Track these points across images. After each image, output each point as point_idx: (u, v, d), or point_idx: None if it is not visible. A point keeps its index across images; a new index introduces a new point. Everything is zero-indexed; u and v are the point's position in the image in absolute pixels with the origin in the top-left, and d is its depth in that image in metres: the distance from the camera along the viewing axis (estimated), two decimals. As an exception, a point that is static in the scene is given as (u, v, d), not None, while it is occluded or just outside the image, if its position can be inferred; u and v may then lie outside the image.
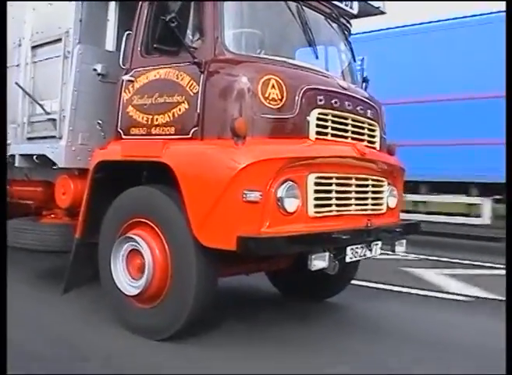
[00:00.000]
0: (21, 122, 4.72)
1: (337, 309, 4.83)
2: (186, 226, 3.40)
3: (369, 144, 4.20)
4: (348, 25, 4.76)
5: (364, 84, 5.04)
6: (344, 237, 3.57)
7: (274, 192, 3.34)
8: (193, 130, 3.56)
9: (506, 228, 5.54)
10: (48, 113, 4.44)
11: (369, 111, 4.23)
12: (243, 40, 3.86)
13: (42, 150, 4.43)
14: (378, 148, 4.30)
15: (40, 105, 4.48)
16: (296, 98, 3.56)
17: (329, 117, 3.77)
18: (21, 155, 4.71)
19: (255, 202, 3.25)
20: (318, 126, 3.67)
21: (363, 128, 4.14)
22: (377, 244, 4.05)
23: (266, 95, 3.45)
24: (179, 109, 3.64)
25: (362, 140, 4.11)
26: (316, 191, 3.57)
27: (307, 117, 3.62)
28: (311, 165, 3.57)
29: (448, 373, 3.35)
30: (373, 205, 4.19)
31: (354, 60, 4.81)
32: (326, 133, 3.76)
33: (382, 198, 4.29)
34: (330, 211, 3.71)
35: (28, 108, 4.67)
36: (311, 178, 3.55)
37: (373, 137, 4.27)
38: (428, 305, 5.09)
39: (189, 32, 3.66)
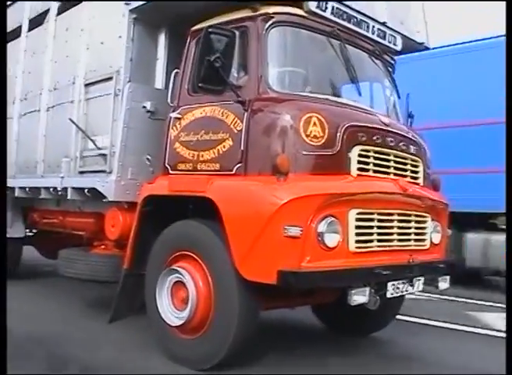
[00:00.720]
0: (74, 156, 5.01)
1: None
2: (228, 259, 3.51)
3: (412, 180, 4.25)
4: (392, 61, 4.87)
5: (409, 120, 5.14)
6: (385, 272, 3.60)
7: (315, 227, 3.43)
8: (236, 167, 3.72)
9: (506, 237, 5.46)
10: (99, 148, 4.70)
11: (412, 147, 4.28)
12: (286, 78, 4.01)
13: (93, 184, 4.68)
14: (421, 184, 4.36)
15: (92, 141, 4.75)
16: (338, 134, 3.66)
17: (371, 153, 3.85)
18: (73, 188, 4.99)
19: (296, 237, 3.34)
20: (359, 162, 3.75)
21: (406, 164, 4.19)
22: (419, 280, 4.06)
23: (308, 133, 3.57)
24: (224, 146, 3.81)
25: (405, 175, 4.17)
26: (357, 227, 3.64)
27: (349, 153, 3.71)
28: (352, 201, 3.64)
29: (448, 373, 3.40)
30: (416, 240, 4.21)
31: (399, 96, 4.90)
32: (368, 170, 3.83)
33: (425, 234, 4.31)
34: (372, 246, 3.76)
35: (81, 143, 4.95)
36: (352, 214, 3.62)
37: (416, 172, 4.31)
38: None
39: (234, 70, 3.86)
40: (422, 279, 4.09)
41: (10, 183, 5.91)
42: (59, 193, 5.11)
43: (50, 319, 5.03)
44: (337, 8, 4.14)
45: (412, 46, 5.08)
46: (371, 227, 3.76)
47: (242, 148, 3.69)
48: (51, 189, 5.26)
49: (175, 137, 4.16)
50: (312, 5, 3.97)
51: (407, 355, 4.56)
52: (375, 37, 4.51)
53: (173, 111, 4.19)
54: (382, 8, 4.59)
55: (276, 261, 3.33)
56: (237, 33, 3.89)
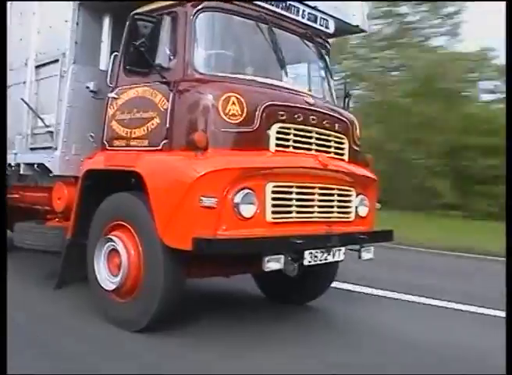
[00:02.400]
0: (25, 133, 5.34)
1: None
2: (154, 228, 3.90)
3: (336, 156, 4.61)
4: (325, 44, 5.19)
5: (346, 99, 5.49)
6: (299, 241, 3.94)
7: (231, 199, 3.79)
8: (163, 143, 4.06)
9: (505, 233, 5.68)
10: (47, 126, 5.02)
11: (337, 125, 4.62)
12: (212, 61, 4.33)
13: (41, 159, 5.03)
14: (346, 160, 4.71)
15: (41, 119, 5.08)
16: (257, 113, 3.99)
17: (291, 131, 4.18)
18: (25, 163, 5.34)
19: (211, 207, 3.69)
20: (278, 138, 4.09)
21: (329, 141, 4.54)
22: (340, 250, 4.42)
23: (226, 111, 3.90)
24: (152, 124, 4.15)
25: (328, 152, 4.53)
26: (274, 199, 3.99)
27: (268, 131, 4.05)
28: (270, 174, 3.99)
29: (448, 373, 3.64)
30: (339, 213, 4.57)
31: (331, 77, 5.23)
32: (288, 146, 4.17)
33: (349, 207, 4.68)
34: (289, 217, 4.13)
35: (32, 122, 5.28)
36: (269, 187, 3.97)
37: (341, 149, 4.67)
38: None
39: (164, 53, 4.18)
40: (343, 249, 4.45)
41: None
42: (13, 168, 5.48)
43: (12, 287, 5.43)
44: (263, -6, 4.46)
45: (348, 29, 5.41)
46: (289, 199, 4.11)
47: (167, 125, 4.04)
48: (7, 165, 5.60)
49: (111, 116, 4.50)
50: (238, -9, 4.29)
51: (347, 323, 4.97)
52: (305, 20, 4.82)
53: (111, 91, 4.52)
54: (313, -8, 4.91)
55: (193, 229, 3.69)
56: (168, 18, 4.24)
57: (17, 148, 5.43)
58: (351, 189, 4.68)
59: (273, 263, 3.85)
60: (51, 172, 4.92)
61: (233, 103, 3.94)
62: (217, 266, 4.48)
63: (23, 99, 5.25)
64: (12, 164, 5.45)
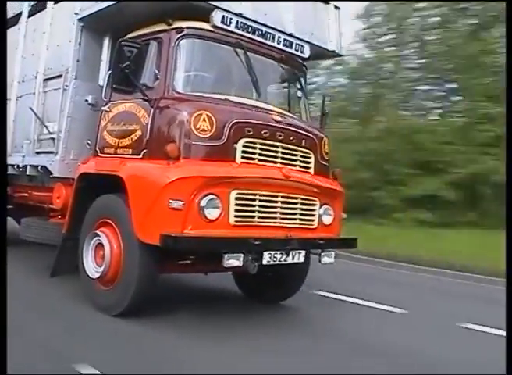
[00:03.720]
0: (32, 139, 6.11)
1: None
2: (131, 225, 4.58)
3: (302, 169, 5.23)
4: (301, 66, 5.83)
5: (323, 117, 6.14)
6: (256, 242, 4.58)
7: (197, 203, 4.45)
8: (143, 152, 4.76)
9: (506, 235, 6.02)
10: (50, 133, 5.78)
11: (304, 141, 5.25)
12: (190, 82, 5.01)
13: (43, 162, 5.80)
14: (312, 173, 5.33)
15: (46, 127, 5.83)
16: (225, 129, 4.65)
17: (257, 145, 4.82)
18: (31, 165, 6.11)
19: (178, 209, 4.36)
20: (244, 152, 4.73)
21: (295, 155, 5.17)
22: (300, 253, 5.03)
23: (197, 127, 4.57)
24: (135, 135, 4.86)
25: (294, 165, 5.16)
26: (237, 204, 4.63)
27: (235, 145, 4.70)
28: (234, 183, 4.63)
29: (448, 373, 3.99)
30: (301, 220, 5.19)
31: (306, 96, 5.87)
32: (253, 158, 4.81)
33: (312, 215, 5.30)
34: (251, 221, 4.77)
35: (38, 128, 6.04)
36: (233, 194, 4.61)
37: (308, 163, 5.30)
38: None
39: (149, 73, 4.90)
40: (303, 252, 5.05)
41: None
42: (20, 169, 6.26)
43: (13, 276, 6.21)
44: (241, 22, 5.14)
45: (324, 53, 6.06)
46: (252, 205, 4.75)
47: (147, 137, 4.74)
48: (15, 166, 6.39)
49: (103, 127, 5.23)
50: (217, 21, 4.98)
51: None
52: (280, 46, 5.47)
53: (104, 105, 5.25)
54: (289, 21, 5.57)
55: (162, 227, 4.36)
56: (154, 42, 4.97)
57: (25, 152, 6.22)
58: (315, 199, 5.29)
59: (233, 260, 4.49)
60: (51, 173, 5.68)
61: (204, 120, 4.61)
62: (191, 263, 5.16)
63: (31, 108, 6.03)
64: (20, 165, 6.24)
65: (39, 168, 5.94)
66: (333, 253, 5.36)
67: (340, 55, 6.24)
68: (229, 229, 4.63)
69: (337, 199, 5.61)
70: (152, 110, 4.74)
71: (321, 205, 5.39)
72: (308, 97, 5.95)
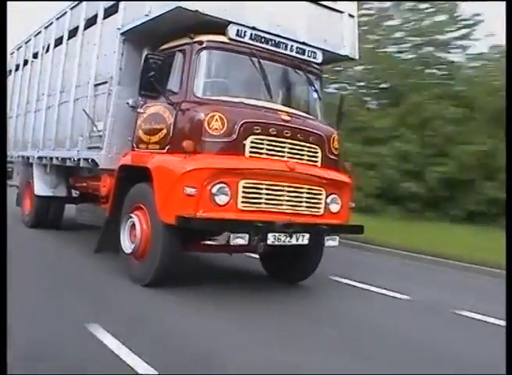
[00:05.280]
0: (85, 136, 7.34)
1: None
2: (156, 208, 5.66)
3: (309, 163, 6.11)
4: (315, 70, 6.69)
5: (340, 116, 7.00)
6: (260, 224, 5.51)
7: (209, 190, 5.43)
8: (167, 147, 5.82)
9: (506, 232, 6.05)
10: (98, 131, 6.97)
11: (311, 137, 6.12)
12: (208, 87, 5.97)
13: (92, 156, 7.00)
14: (319, 166, 6.19)
15: (95, 125, 7.02)
16: (236, 127, 5.60)
17: (264, 141, 5.75)
18: (83, 158, 7.35)
19: (192, 195, 5.37)
20: (252, 147, 5.66)
21: (302, 150, 6.06)
22: (304, 236, 5.90)
23: (211, 126, 5.57)
24: (162, 133, 5.93)
25: (301, 159, 6.04)
26: (245, 192, 5.58)
27: (244, 141, 5.65)
28: (242, 173, 5.59)
29: (449, 373, 4.18)
30: (307, 207, 6.06)
31: (320, 98, 6.73)
32: (261, 153, 5.74)
33: (318, 203, 6.16)
34: (259, 207, 5.70)
35: (90, 127, 7.25)
36: (241, 183, 5.56)
37: (315, 157, 6.17)
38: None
39: (171, 81, 5.97)
40: (307, 235, 5.92)
41: (50, 154, 8.48)
42: (75, 162, 7.53)
43: (67, 253, 7.54)
44: (255, 34, 6.07)
45: (337, 58, 6.92)
46: (258, 193, 5.67)
47: (171, 134, 5.80)
48: (72, 159, 7.67)
49: (139, 126, 6.34)
50: (232, 34, 5.95)
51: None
52: (293, 53, 6.36)
53: (140, 107, 6.36)
54: (302, 30, 6.45)
55: (178, 209, 5.37)
56: (179, 54, 6.02)
57: (79, 147, 7.46)
58: (320, 189, 6.14)
59: (239, 240, 5.44)
60: (98, 165, 6.88)
61: (217, 120, 5.59)
62: (214, 244, 6.11)
63: (84, 110, 7.25)
64: (75, 158, 7.51)
65: (89, 161, 7.16)
66: (337, 238, 6.19)
67: (354, 59, 7.06)
68: (236, 212, 5.57)
69: (344, 190, 6.42)
70: (175, 112, 5.78)
71: (328, 195, 6.23)
72: (322, 98, 6.78)
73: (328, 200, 6.25)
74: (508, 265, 4.83)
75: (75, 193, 9.45)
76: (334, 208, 6.31)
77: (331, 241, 6.15)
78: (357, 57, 7.06)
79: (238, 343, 4.44)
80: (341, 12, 6.89)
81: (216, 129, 5.60)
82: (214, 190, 5.46)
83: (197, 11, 5.73)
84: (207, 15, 5.82)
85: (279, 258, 6.76)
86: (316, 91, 6.70)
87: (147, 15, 6.20)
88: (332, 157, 6.36)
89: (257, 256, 7.16)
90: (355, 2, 7.09)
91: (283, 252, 6.48)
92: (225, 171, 5.54)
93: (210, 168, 5.48)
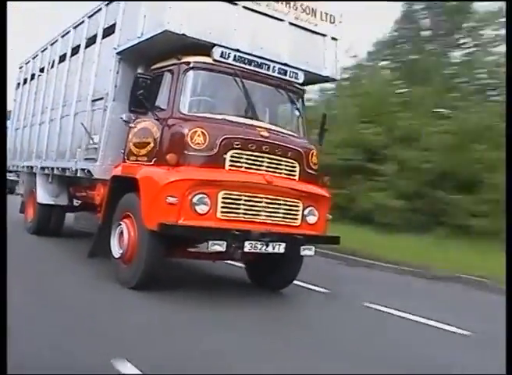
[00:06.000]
0: (83, 148, 7.94)
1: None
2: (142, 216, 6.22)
3: (287, 176, 6.63)
4: (297, 89, 7.23)
5: (322, 133, 7.55)
6: (237, 233, 6.02)
7: (190, 199, 5.96)
8: (154, 160, 6.38)
9: (505, 235, 6.23)
10: (94, 143, 7.57)
11: (289, 153, 6.64)
12: (193, 105, 6.51)
13: (88, 166, 7.59)
14: (296, 180, 6.71)
15: (91, 138, 7.61)
16: (216, 142, 6.15)
17: (243, 156, 6.27)
18: (80, 168, 7.95)
19: (174, 204, 5.90)
20: (232, 161, 6.18)
21: (280, 164, 6.58)
22: (280, 245, 6.38)
23: (193, 141, 6.12)
24: (149, 146, 6.49)
25: (279, 172, 6.57)
26: (224, 202, 6.10)
27: (224, 155, 6.20)
28: (221, 185, 6.10)
29: (449, 373, 4.50)
30: (284, 218, 6.56)
31: (301, 115, 7.26)
32: (240, 166, 6.27)
33: (295, 215, 6.66)
34: (237, 216, 6.21)
35: (87, 139, 7.86)
36: (221, 194, 6.09)
37: (292, 171, 6.69)
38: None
39: (160, 99, 6.55)
40: (283, 244, 6.41)
41: (52, 164, 9.12)
42: (74, 172, 8.14)
43: (65, 257, 8.12)
44: (238, 56, 6.63)
45: (319, 79, 7.46)
46: (237, 204, 6.19)
47: (157, 148, 6.37)
48: (70, 169, 8.28)
49: (130, 139, 6.92)
50: (216, 55, 6.51)
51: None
52: (275, 74, 6.90)
53: (131, 122, 6.95)
54: (285, 52, 7.01)
55: (161, 217, 5.89)
56: (167, 73, 6.61)
57: (77, 158, 8.07)
58: (298, 201, 6.65)
59: (216, 246, 5.95)
60: (93, 175, 7.48)
61: (199, 135, 6.14)
62: (199, 251, 6.64)
63: (82, 123, 7.87)
64: (73, 169, 8.11)
65: (86, 171, 7.75)
66: (313, 248, 6.66)
67: (335, 79, 7.60)
68: (216, 221, 6.09)
69: (322, 202, 6.92)
70: (162, 127, 6.35)
71: (305, 207, 6.73)
72: (304, 115, 7.32)
73: (306, 212, 6.75)
74: (508, 264, 5.02)
75: (76, 202, 10.06)
76: (311, 219, 6.81)
77: (307, 251, 6.62)
78: (338, 78, 7.62)
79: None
80: (323, 35, 7.46)
81: (198, 143, 6.15)
82: (194, 199, 5.99)
83: (183, 34, 6.32)
84: (193, 38, 6.41)
85: (262, 267, 7.30)
86: (297, 109, 7.25)
87: (139, 37, 6.78)
88: (311, 171, 6.87)
89: (242, 265, 7.71)
90: (337, 25, 7.64)
91: (266, 262, 7.03)
92: (206, 182, 6.08)
93: (191, 179, 6.02)
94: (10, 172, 13.43)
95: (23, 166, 11.05)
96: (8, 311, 3.72)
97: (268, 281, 7.43)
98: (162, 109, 6.51)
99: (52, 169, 9.23)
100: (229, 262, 8.01)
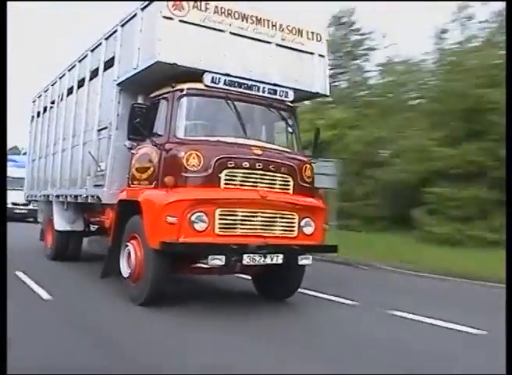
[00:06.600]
0: (91, 175, 8.51)
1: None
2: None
3: (281, 191, 7.07)
4: (288, 107, 7.68)
5: (315, 149, 7.99)
6: (235, 247, 6.46)
7: (189, 218, 6.44)
8: (154, 183, 6.87)
9: (506, 233, 6.60)
10: (101, 170, 8.13)
11: (283, 168, 7.08)
12: (188, 129, 7.00)
13: (97, 193, 8.15)
14: (291, 193, 7.15)
15: (99, 166, 8.18)
16: (211, 163, 6.63)
17: (238, 174, 6.73)
18: (91, 195, 8.52)
19: (173, 223, 6.38)
20: (227, 179, 6.65)
21: (274, 180, 7.03)
22: (278, 256, 6.82)
23: (189, 163, 6.61)
24: (150, 171, 7.00)
25: (273, 187, 7.02)
26: (221, 219, 6.56)
27: (219, 174, 6.66)
28: (218, 203, 6.57)
29: (449, 374, 4.66)
30: (281, 230, 6.99)
31: (294, 132, 7.71)
32: (235, 184, 6.73)
33: (291, 226, 7.09)
34: (234, 231, 6.67)
35: (95, 167, 8.44)
36: (218, 211, 6.56)
37: (286, 185, 7.13)
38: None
39: (157, 125, 7.08)
40: (281, 255, 6.84)
41: (65, 192, 9.75)
42: (84, 198, 8.71)
43: (81, 280, 8.68)
44: (229, 80, 7.13)
45: (308, 95, 7.93)
46: (233, 220, 6.64)
47: (156, 172, 6.88)
48: (81, 196, 8.86)
49: (132, 165, 7.44)
50: (207, 81, 7.01)
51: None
52: (266, 94, 7.38)
53: (133, 149, 7.50)
54: (274, 72, 7.50)
55: (162, 236, 6.36)
56: (162, 101, 7.15)
57: (87, 185, 8.65)
58: (293, 213, 7.07)
59: (216, 261, 6.39)
60: (101, 201, 8.04)
61: (194, 157, 6.63)
62: (203, 267, 7.09)
63: (89, 152, 8.45)
64: (84, 195, 8.69)
65: (95, 197, 8.32)
66: (310, 257, 7.08)
67: (326, 95, 8.07)
68: (214, 237, 6.54)
69: (317, 213, 7.34)
70: (160, 152, 6.87)
71: (301, 219, 7.16)
72: (297, 131, 7.78)
73: (302, 223, 7.16)
74: (508, 265, 5.23)
75: (93, 227, 10.64)
76: (308, 230, 7.21)
77: (304, 260, 7.04)
78: (327, 93, 8.06)
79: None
80: (311, 53, 7.93)
81: (194, 165, 6.64)
82: (193, 218, 6.46)
83: (174, 64, 6.86)
84: (184, 66, 6.94)
85: (266, 278, 7.74)
86: (290, 125, 7.71)
87: (135, 68, 7.34)
88: (305, 184, 7.29)
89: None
90: (324, 43, 8.11)
91: (269, 273, 7.48)
92: (203, 201, 6.55)
93: (188, 199, 6.50)
94: (29, 202, 14.16)
95: (41, 196, 11.72)
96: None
97: (273, 291, 7.85)
98: (160, 135, 7.02)
99: (66, 196, 9.85)
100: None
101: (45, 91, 12.22)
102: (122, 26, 7.98)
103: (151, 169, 7.02)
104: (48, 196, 11.05)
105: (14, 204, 21.10)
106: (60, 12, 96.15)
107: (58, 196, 10.39)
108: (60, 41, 75.71)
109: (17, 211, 22.09)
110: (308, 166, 7.42)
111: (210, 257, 6.39)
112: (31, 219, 20.89)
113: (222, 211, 6.61)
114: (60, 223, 10.40)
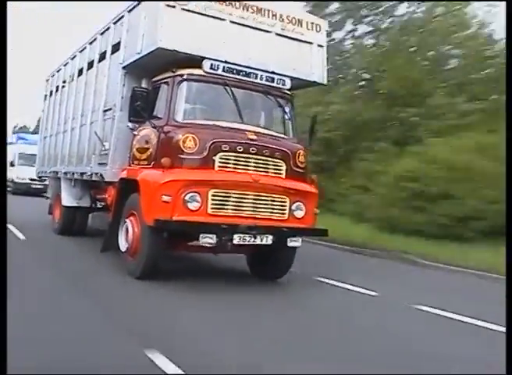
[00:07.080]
0: (96, 154, 8.98)
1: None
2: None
3: (273, 175, 7.48)
4: (285, 95, 8.06)
5: (312, 135, 8.37)
6: (225, 226, 6.90)
7: (183, 197, 6.88)
8: (152, 163, 7.32)
9: (506, 234, 6.45)
10: (106, 150, 8.60)
11: (276, 153, 7.48)
12: (186, 113, 7.45)
13: (101, 171, 8.63)
14: (283, 178, 7.55)
15: (103, 145, 8.63)
16: (206, 146, 7.06)
17: (231, 157, 7.15)
18: (95, 173, 9.01)
19: (168, 202, 6.82)
20: (221, 162, 7.07)
21: (267, 164, 7.43)
22: (267, 237, 7.24)
23: (185, 145, 7.04)
24: (149, 151, 7.45)
25: (267, 171, 7.42)
26: (214, 200, 6.99)
27: (214, 157, 7.09)
28: (211, 184, 7.00)
29: (449, 374, 4.59)
30: (272, 212, 7.40)
31: (290, 118, 8.09)
32: (229, 167, 7.14)
33: (282, 209, 7.49)
34: (226, 212, 7.10)
35: (100, 146, 8.89)
36: (211, 192, 6.99)
37: (279, 170, 7.53)
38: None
39: (158, 108, 7.51)
40: (270, 236, 7.26)
41: (73, 169, 10.25)
42: (89, 176, 9.21)
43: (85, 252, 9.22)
44: (227, 67, 7.52)
45: (306, 84, 8.29)
46: (225, 201, 7.07)
47: (154, 153, 7.32)
48: (87, 173, 9.36)
49: (133, 145, 7.89)
50: (206, 67, 7.41)
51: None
52: (263, 81, 7.75)
53: (135, 130, 7.94)
54: (272, 60, 7.87)
55: (157, 214, 6.82)
56: (163, 85, 7.57)
57: (92, 163, 9.13)
58: (284, 197, 7.47)
59: (207, 239, 6.82)
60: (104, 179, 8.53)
61: (190, 140, 7.06)
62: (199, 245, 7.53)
63: (95, 132, 8.93)
64: (89, 173, 9.19)
65: (99, 175, 8.81)
66: (300, 239, 7.49)
67: (323, 84, 8.43)
68: (206, 216, 6.97)
69: (309, 198, 7.72)
70: (158, 134, 7.31)
71: (293, 202, 7.55)
72: (293, 118, 8.16)
73: (293, 207, 7.56)
74: (508, 265, 5.38)
75: (100, 204, 11.14)
76: (298, 214, 7.61)
77: (293, 242, 7.44)
78: (325, 82, 8.42)
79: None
80: (310, 42, 8.28)
81: (190, 148, 7.06)
82: (187, 197, 6.89)
83: (175, 50, 7.27)
84: (184, 53, 7.35)
85: (259, 259, 8.18)
86: (286, 112, 8.09)
87: (138, 53, 7.77)
88: (298, 169, 7.68)
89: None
90: (324, 34, 8.45)
91: (261, 253, 7.91)
92: (197, 182, 6.98)
93: (183, 180, 6.94)
94: (40, 178, 14.73)
95: (50, 172, 12.25)
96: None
97: (265, 272, 8.28)
98: (159, 118, 7.46)
99: (73, 173, 10.36)
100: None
101: (58, 71, 12.70)
102: (129, 12, 8.38)
103: (150, 150, 7.46)
104: (57, 173, 11.56)
105: (32, 179, 22.29)
106: (60, 12, 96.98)
107: (66, 173, 10.91)
108: (60, 41, 76.34)
109: (34, 186, 23.84)
110: (302, 151, 7.80)
111: (201, 235, 6.81)
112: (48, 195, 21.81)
113: (214, 192, 7.02)
114: (67, 198, 10.92)
